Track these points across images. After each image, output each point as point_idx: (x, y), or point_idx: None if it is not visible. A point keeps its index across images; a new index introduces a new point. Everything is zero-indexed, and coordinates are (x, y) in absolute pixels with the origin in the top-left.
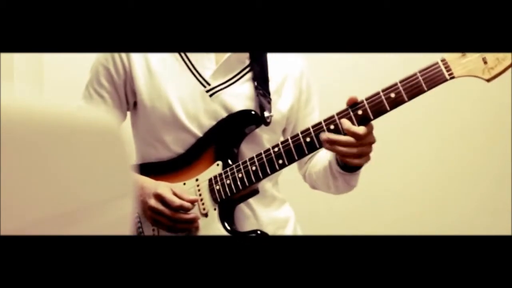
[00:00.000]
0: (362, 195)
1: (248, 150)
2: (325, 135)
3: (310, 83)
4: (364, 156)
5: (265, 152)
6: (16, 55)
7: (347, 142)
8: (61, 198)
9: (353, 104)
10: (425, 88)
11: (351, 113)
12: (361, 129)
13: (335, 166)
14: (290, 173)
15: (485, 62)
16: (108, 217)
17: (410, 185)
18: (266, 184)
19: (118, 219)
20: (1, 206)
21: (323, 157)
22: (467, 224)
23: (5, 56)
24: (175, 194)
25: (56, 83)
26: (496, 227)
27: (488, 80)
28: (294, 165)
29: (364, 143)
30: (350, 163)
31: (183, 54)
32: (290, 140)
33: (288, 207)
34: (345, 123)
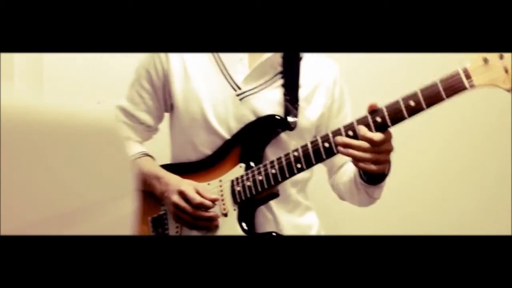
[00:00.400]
0: None
1: (273, 155)
2: (340, 138)
3: (343, 91)
4: (381, 163)
5: (285, 155)
6: (16, 55)
7: (361, 147)
8: (61, 198)
9: (372, 111)
10: (444, 97)
11: (370, 119)
12: (376, 135)
13: (358, 178)
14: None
15: (506, 71)
16: (108, 217)
17: (410, 185)
18: (290, 190)
19: (118, 219)
20: (1, 206)
21: (350, 169)
22: (467, 224)
23: (5, 56)
24: (197, 192)
25: (56, 83)
26: (496, 227)
27: (510, 90)
28: (324, 173)
29: (380, 150)
30: (365, 169)
31: (217, 57)
32: (309, 145)
33: (312, 214)
34: (361, 129)
